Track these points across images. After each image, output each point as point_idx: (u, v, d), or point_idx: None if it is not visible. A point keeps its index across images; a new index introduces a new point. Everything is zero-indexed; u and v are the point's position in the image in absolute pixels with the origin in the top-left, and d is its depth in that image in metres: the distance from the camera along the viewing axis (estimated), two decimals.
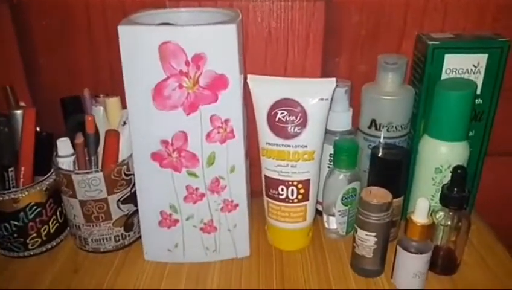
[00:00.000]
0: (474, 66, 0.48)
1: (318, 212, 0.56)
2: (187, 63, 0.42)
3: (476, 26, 0.52)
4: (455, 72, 0.49)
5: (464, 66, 0.48)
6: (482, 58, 0.48)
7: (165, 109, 0.43)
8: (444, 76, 0.49)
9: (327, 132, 0.53)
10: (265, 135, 0.49)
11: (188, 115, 0.44)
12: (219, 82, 0.43)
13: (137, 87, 0.43)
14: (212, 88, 0.43)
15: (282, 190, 0.50)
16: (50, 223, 0.52)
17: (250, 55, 0.54)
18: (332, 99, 0.52)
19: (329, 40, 0.54)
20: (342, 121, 0.54)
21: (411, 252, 0.44)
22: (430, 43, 0.48)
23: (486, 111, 0.50)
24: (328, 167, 0.54)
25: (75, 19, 0.53)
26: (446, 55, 0.48)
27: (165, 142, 0.45)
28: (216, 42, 0.42)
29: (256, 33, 0.53)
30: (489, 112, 0.50)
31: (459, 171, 0.44)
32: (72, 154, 0.50)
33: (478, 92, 0.49)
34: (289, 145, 0.48)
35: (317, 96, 0.47)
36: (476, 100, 0.49)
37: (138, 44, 0.42)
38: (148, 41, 0.41)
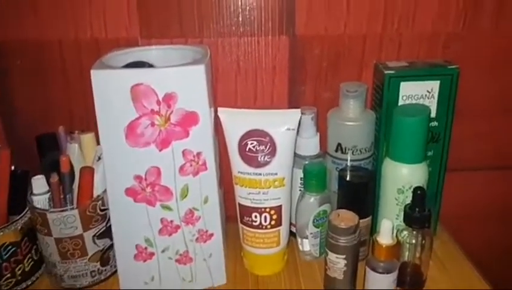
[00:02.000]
0: (428, 91, 0.52)
1: (293, 234, 0.58)
2: (158, 103, 0.43)
3: (429, 54, 0.57)
4: (411, 98, 0.52)
5: (419, 92, 0.52)
6: (434, 85, 0.52)
7: (138, 146, 0.45)
8: (400, 102, 0.52)
9: (297, 156, 0.55)
10: (237, 164, 0.51)
11: (160, 150, 0.45)
12: (190, 119, 0.45)
13: (110, 126, 0.44)
14: (183, 124, 0.45)
15: (256, 216, 0.52)
16: (25, 261, 0.52)
17: (221, 87, 0.57)
18: (300, 126, 0.55)
19: (294, 70, 0.57)
20: (310, 146, 0.56)
21: (378, 272, 0.46)
22: (386, 72, 0.51)
23: (442, 132, 0.54)
24: (300, 190, 0.56)
25: (50, 58, 0.55)
26: (402, 83, 0.51)
27: (138, 178, 0.46)
28: (186, 82, 0.43)
29: (226, 67, 0.56)
30: (445, 133, 0.54)
31: (418, 192, 0.47)
32: (47, 192, 0.51)
33: (433, 115, 0.53)
34: (260, 174, 0.50)
35: (284, 126, 0.49)
36: (432, 123, 0.53)
37: (111, 86, 0.43)
38: (121, 83, 0.43)
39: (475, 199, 0.66)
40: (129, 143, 0.45)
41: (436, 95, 0.52)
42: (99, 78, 0.43)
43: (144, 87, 0.43)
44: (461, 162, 0.62)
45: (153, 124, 0.44)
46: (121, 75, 0.43)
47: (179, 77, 0.43)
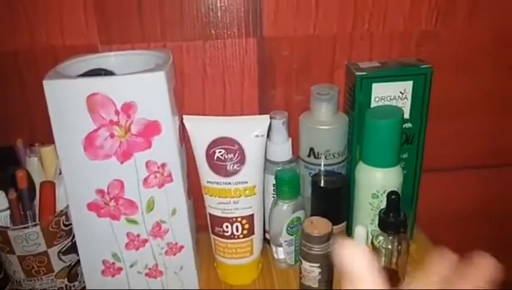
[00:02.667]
0: (401, 92, 0.51)
1: (268, 241, 0.56)
2: (117, 113, 0.41)
3: (402, 53, 0.55)
4: (383, 99, 0.51)
5: (391, 94, 0.51)
6: (407, 85, 0.50)
7: (98, 159, 0.43)
8: (373, 104, 0.51)
9: (269, 162, 0.54)
10: (206, 174, 0.49)
11: (122, 163, 0.43)
12: (152, 128, 0.43)
13: (68, 139, 0.42)
14: (145, 135, 0.43)
15: (227, 227, 0.50)
16: None
17: (188, 93, 0.55)
18: (270, 131, 0.53)
19: (263, 74, 0.55)
20: (282, 151, 0.54)
21: None
22: (358, 73, 0.50)
23: (417, 134, 0.53)
24: (273, 196, 0.55)
25: (6, 68, 0.52)
26: (374, 84, 0.50)
27: (100, 192, 0.44)
28: (145, 90, 0.42)
29: (192, 72, 0.54)
30: (420, 134, 0.53)
31: (393, 196, 0.46)
32: (7, 209, 0.48)
33: (407, 116, 0.51)
34: (230, 183, 0.48)
35: (253, 133, 0.48)
36: (406, 124, 0.52)
37: (65, 97, 0.41)
38: (75, 94, 0.41)
39: (452, 199, 0.66)
40: (88, 156, 0.43)
41: (409, 96, 0.51)
42: (52, 88, 0.41)
43: (101, 96, 0.41)
44: (437, 162, 0.61)
45: (112, 136, 0.42)
46: (76, 84, 0.41)
47: (138, 85, 0.41)
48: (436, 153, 0.59)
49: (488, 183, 0.65)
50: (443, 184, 0.63)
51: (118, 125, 0.42)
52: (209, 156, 0.48)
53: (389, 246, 0.48)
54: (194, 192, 0.53)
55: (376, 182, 0.49)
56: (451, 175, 0.64)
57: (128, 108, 0.41)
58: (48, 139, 0.51)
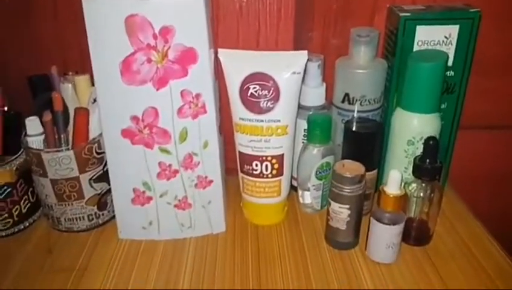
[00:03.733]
0: (445, 37, 0.48)
1: (294, 188, 0.56)
2: (155, 36, 0.41)
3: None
4: (427, 43, 0.49)
5: (436, 38, 0.48)
6: (453, 29, 0.48)
7: (134, 84, 0.43)
8: (416, 48, 0.49)
9: (301, 107, 0.53)
10: (238, 110, 0.48)
11: (157, 90, 0.43)
12: (188, 56, 0.42)
13: (105, 63, 0.42)
14: (182, 62, 0.42)
15: (257, 165, 0.50)
16: (21, 203, 0.51)
17: (222, 30, 0.53)
18: (305, 74, 0.52)
19: (301, 14, 0.53)
20: (316, 96, 0.53)
21: (384, 223, 0.44)
22: (402, 14, 0.47)
23: (458, 83, 0.51)
24: (303, 142, 0.54)
25: None
26: (418, 27, 0.48)
27: (135, 119, 0.44)
28: (183, 14, 0.41)
29: (227, 7, 0.52)
30: (461, 84, 0.51)
31: (431, 142, 0.45)
32: (42, 133, 0.49)
33: (450, 63, 0.49)
34: (262, 120, 0.48)
35: (290, 70, 0.46)
36: (448, 72, 0.50)
37: (103, 18, 0.40)
38: (114, 14, 0.40)
39: (487, 158, 0.63)
40: (125, 81, 0.42)
41: (454, 42, 0.48)
42: (91, 8, 0.40)
43: (139, 18, 0.40)
44: (474, 120, 0.59)
45: (149, 60, 0.42)
46: (115, 5, 0.40)
47: (177, 9, 0.40)
48: (475, 109, 0.57)
49: None
50: (480, 142, 0.61)
51: (155, 50, 0.41)
52: (243, 91, 0.47)
53: (421, 194, 0.47)
54: (224, 133, 0.52)
55: (413, 128, 0.48)
56: (489, 134, 0.61)
57: (166, 32, 0.41)
58: (82, 70, 0.51)
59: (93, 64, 0.42)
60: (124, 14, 0.40)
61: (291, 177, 0.54)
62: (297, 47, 0.55)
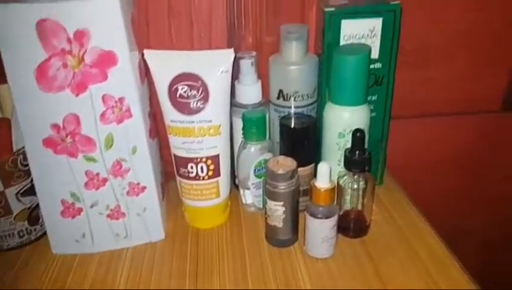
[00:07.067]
0: (370, 30, 0.49)
1: (237, 187, 0.56)
2: (69, 41, 0.39)
3: None
4: (353, 37, 0.49)
5: (361, 31, 0.49)
6: (377, 22, 0.49)
7: (52, 91, 0.41)
8: (342, 42, 0.49)
9: (238, 105, 0.53)
10: (169, 112, 0.47)
11: (77, 96, 0.41)
12: (107, 59, 0.41)
13: (19, 70, 0.40)
14: (100, 66, 0.41)
15: (192, 167, 0.49)
16: None
17: (153, 31, 0.52)
18: (239, 73, 0.52)
19: (232, 13, 0.53)
20: (251, 93, 0.53)
21: (317, 218, 0.45)
22: (327, 9, 0.48)
23: (386, 75, 0.51)
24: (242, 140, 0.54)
25: None
26: (343, 21, 0.48)
27: (56, 127, 0.42)
28: (99, 17, 0.39)
29: (156, 8, 0.51)
30: (389, 76, 0.52)
31: (358, 134, 0.45)
32: None
33: (376, 56, 0.50)
34: (193, 121, 0.47)
35: (218, 68, 0.46)
36: (375, 64, 0.50)
37: (14, 23, 0.39)
38: (24, 19, 0.38)
39: (423, 146, 0.65)
40: (41, 88, 0.41)
41: (378, 34, 0.49)
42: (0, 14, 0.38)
43: (51, 22, 0.38)
44: (406, 109, 0.60)
45: (65, 66, 0.40)
46: (24, 9, 0.38)
47: (91, 12, 0.39)
48: (406, 98, 0.59)
49: (459, 131, 0.65)
50: (414, 130, 0.63)
51: (70, 54, 0.40)
52: (172, 93, 0.46)
53: (355, 186, 0.47)
54: (162, 139, 0.51)
55: (342, 121, 0.48)
56: (422, 122, 0.63)
57: (81, 36, 0.39)
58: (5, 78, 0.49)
59: (7, 72, 0.40)
60: (34, 19, 0.38)
61: (235, 176, 0.54)
62: (231, 45, 0.54)
